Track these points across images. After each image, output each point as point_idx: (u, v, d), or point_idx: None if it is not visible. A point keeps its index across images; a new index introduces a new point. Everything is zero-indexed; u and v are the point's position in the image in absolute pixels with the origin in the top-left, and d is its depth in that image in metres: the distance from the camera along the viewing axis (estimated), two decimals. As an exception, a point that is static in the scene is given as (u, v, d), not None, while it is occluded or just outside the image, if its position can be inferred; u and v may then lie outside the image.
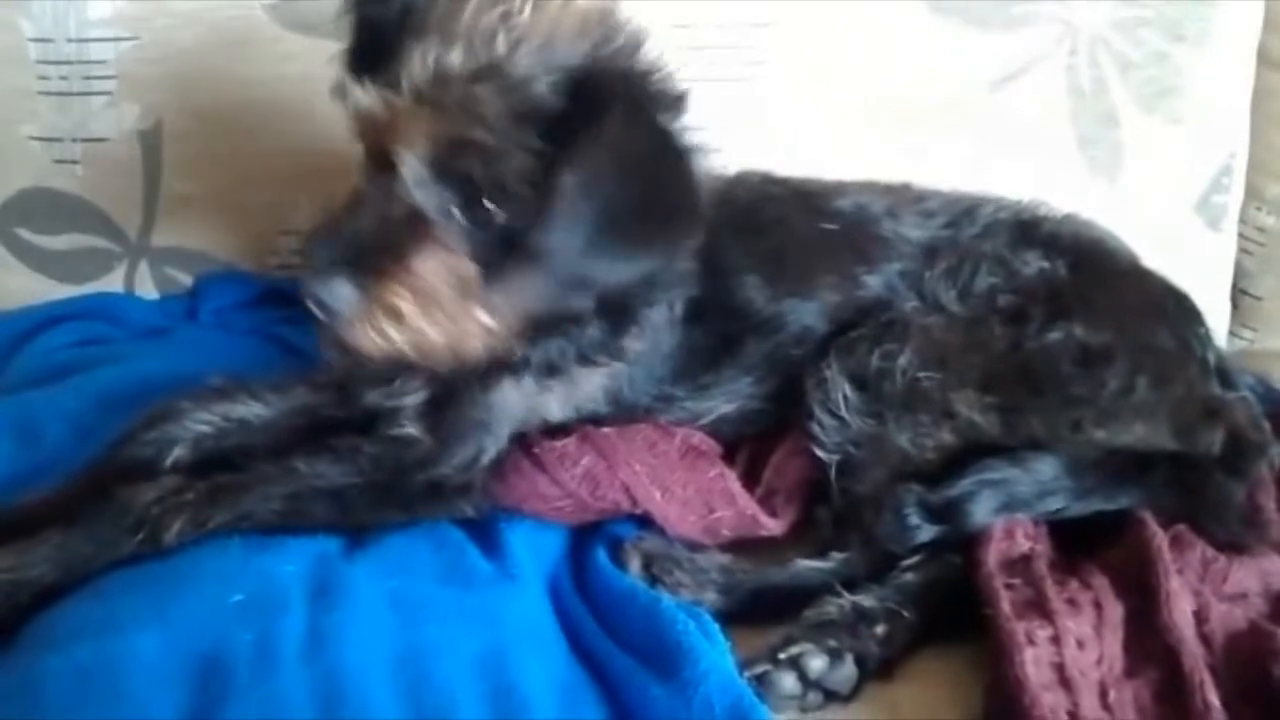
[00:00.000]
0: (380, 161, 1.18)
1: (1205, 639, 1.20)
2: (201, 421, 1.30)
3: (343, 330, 1.16)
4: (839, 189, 1.51)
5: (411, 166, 1.16)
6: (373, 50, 1.20)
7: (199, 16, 1.66)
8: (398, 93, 1.15)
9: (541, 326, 1.27)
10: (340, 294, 1.14)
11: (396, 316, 1.15)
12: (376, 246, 1.15)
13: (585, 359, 1.33)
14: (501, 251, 1.17)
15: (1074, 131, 1.77)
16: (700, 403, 1.42)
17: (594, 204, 1.12)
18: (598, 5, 1.22)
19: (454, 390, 1.29)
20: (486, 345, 1.21)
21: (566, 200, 1.11)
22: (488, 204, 1.15)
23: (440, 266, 1.17)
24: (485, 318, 1.19)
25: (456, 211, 1.17)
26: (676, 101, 1.22)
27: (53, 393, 1.48)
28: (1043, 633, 1.17)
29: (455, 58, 1.14)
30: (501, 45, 1.15)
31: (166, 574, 1.14)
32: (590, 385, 1.35)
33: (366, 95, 1.16)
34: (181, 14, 1.66)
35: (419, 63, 1.15)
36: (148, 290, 1.77)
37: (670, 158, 1.17)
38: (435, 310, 1.17)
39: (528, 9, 1.17)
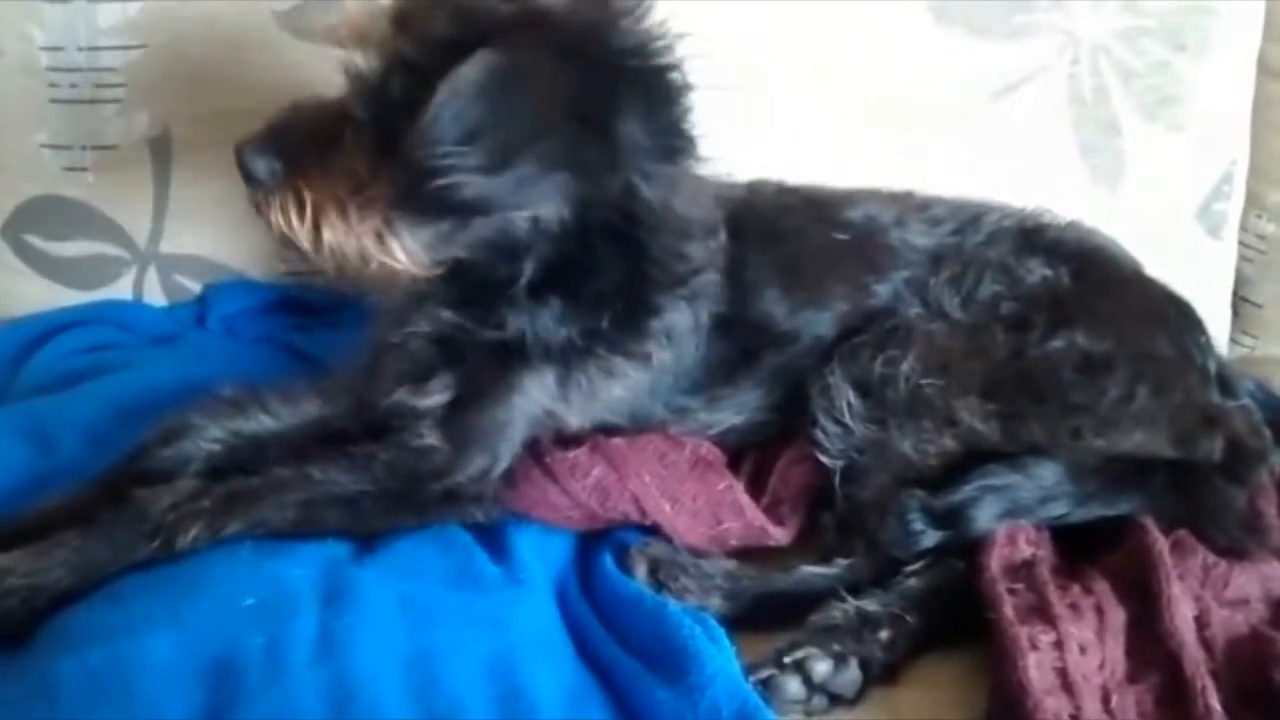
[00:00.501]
0: (347, 63, 1.25)
1: (1207, 644, 1.21)
2: (214, 439, 1.31)
3: (263, 205, 1.24)
4: (849, 199, 1.52)
5: (354, 73, 1.24)
6: None
7: (209, 24, 1.67)
8: (377, 4, 1.22)
9: (483, 280, 1.29)
10: (260, 167, 1.23)
11: (300, 208, 1.23)
12: (305, 140, 1.24)
13: (603, 357, 1.33)
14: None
15: (1076, 140, 1.78)
16: (712, 415, 1.43)
17: (461, 120, 1.14)
18: None
19: (478, 387, 1.31)
20: (403, 270, 1.24)
21: (434, 112, 1.14)
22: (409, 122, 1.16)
23: (350, 172, 1.23)
24: (393, 237, 1.22)
25: (381, 124, 1.21)
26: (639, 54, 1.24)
27: (65, 399, 1.50)
28: (1045, 638, 1.18)
29: None
30: None
31: (179, 578, 1.15)
32: (610, 396, 1.36)
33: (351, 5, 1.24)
34: (191, 21, 1.66)
35: None
36: (156, 297, 1.78)
37: (581, 96, 1.18)
38: (333, 212, 1.23)
39: None
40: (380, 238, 1.22)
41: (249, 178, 1.24)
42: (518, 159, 1.17)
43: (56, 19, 1.66)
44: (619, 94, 1.21)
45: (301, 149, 1.24)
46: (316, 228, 1.23)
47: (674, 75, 1.26)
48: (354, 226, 1.22)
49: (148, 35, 1.67)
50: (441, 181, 1.15)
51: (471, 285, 1.31)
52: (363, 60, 1.23)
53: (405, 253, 1.23)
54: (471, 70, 1.14)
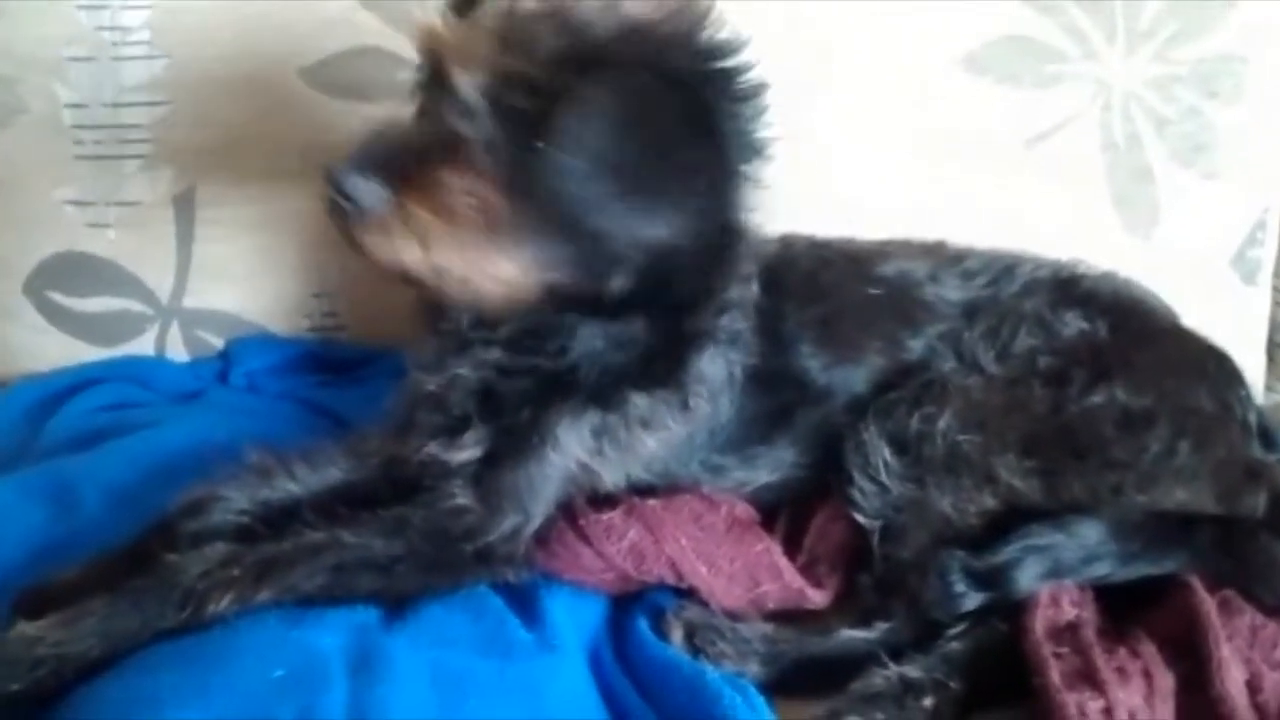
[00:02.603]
0: (437, 84, 1.20)
1: (1260, 709, 1.17)
2: (240, 510, 1.29)
3: (362, 229, 1.16)
4: (882, 253, 1.50)
5: (463, 89, 1.18)
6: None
7: (234, 81, 1.67)
8: (466, 20, 1.19)
9: (570, 299, 1.25)
10: (367, 189, 1.14)
11: (417, 228, 1.15)
12: (413, 158, 1.17)
13: (639, 405, 1.30)
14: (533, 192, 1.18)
15: (1109, 187, 1.77)
16: (748, 473, 1.40)
17: (591, 146, 1.13)
18: None
19: (512, 442, 1.29)
20: (504, 292, 1.20)
21: (562, 138, 1.12)
22: (533, 141, 1.15)
23: (470, 191, 1.16)
24: (504, 257, 1.18)
25: (498, 143, 1.17)
26: (731, 75, 1.22)
27: (87, 459, 1.48)
28: (1094, 704, 1.14)
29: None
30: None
31: (208, 648, 1.12)
32: (645, 451, 1.33)
33: (430, 14, 1.20)
34: (217, 79, 1.67)
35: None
36: (179, 352, 1.78)
37: (691, 112, 1.18)
38: (456, 232, 1.16)
39: None
40: (493, 259, 1.18)
41: (346, 200, 1.15)
42: (643, 183, 1.17)
43: (82, 76, 1.67)
44: (714, 103, 1.20)
45: (404, 169, 1.16)
46: (426, 250, 1.17)
47: (751, 74, 1.24)
48: (467, 247, 1.17)
49: (172, 92, 1.68)
50: (568, 207, 1.14)
51: (540, 312, 1.27)
52: (466, 77, 1.18)
53: (520, 274, 1.20)
54: (595, 93, 1.13)
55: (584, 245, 1.19)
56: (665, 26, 1.21)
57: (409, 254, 1.17)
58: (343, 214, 1.16)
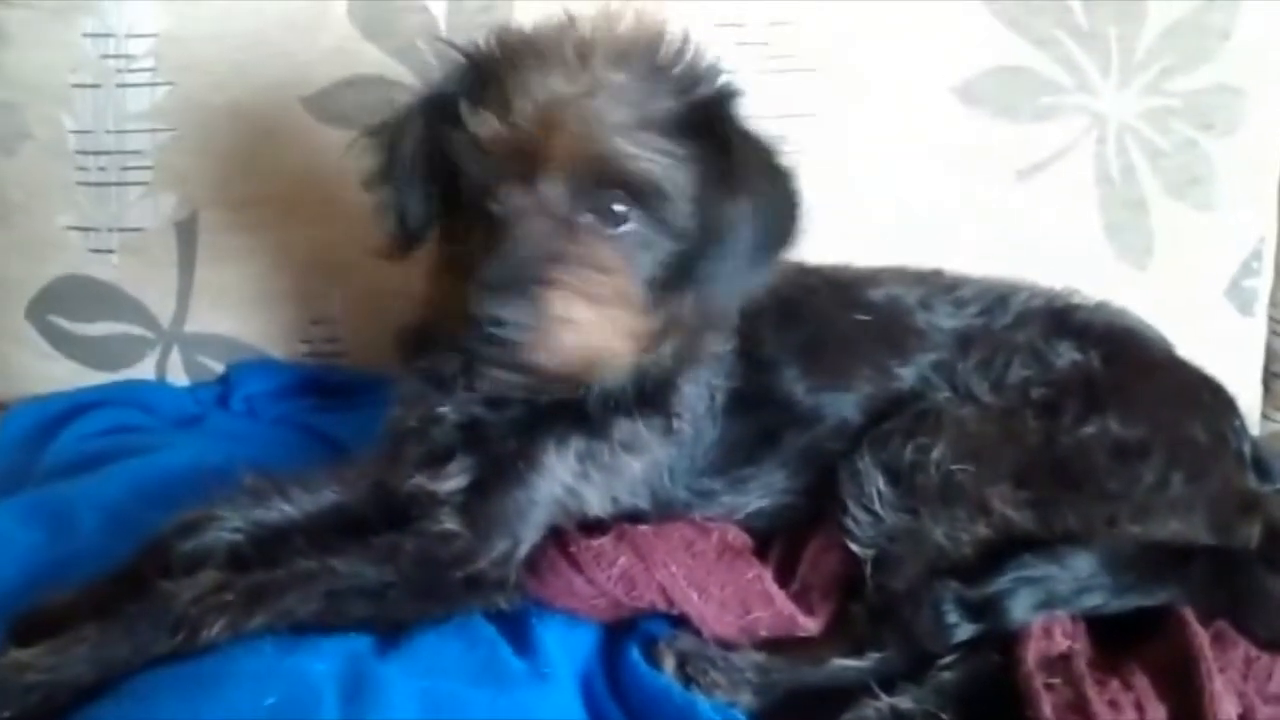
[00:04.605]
0: (516, 184, 1.21)
1: (1252, 743, 1.18)
2: (235, 529, 1.30)
3: (521, 348, 1.17)
4: (872, 279, 1.51)
5: (557, 181, 1.20)
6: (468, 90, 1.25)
7: (236, 108, 1.69)
8: (519, 117, 1.20)
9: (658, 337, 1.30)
10: (517, 309, 1.15)
11: (570, 323, 1.18)
12: (540, 261, 1.18)
13: (624, 428, 1.32)
14: (655, 254, 1.25)
15: (1103, 219, 1.78)
16: (738, 497, 1.41)
17: (752, 228, 1.24)
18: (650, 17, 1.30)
19: (498, 470, 1.30)
20: (636, 350, 1.26)
21: (733, 228, 1.23)
22: (620, 207, 1.22)
23: (601, 272, 1.21)
24: (641, 322, 1.24)
25: (606, 218, 1.22)
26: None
27: (86, 482, 1.49)
28: (1086, 737, 1.15)
29: (561, 82, 1.21)
30: (601, 64, 1.23)
31: (200, 675, 1.13)
32: (631, 473, 1.35)
33: (489, 123, 1.20)
34: (219, 107, 1.69)
35: (536, 87, 1.20)
36: (179, 377, 1.79)
37: (784, 173, 1.29)
38: (603, 314, 1.20)
39: (598, 28, 1.26)
40: (633, 326, 1.24)
41: (500, 328, 1.15)
42: (766, 249, 1.27)
43: (86, 104, 1.69)
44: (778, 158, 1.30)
45: (538, 270, 1.17)
46: (588, 339, 1.20)
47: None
48: (617, 323, 1.22)
49: (176, 119, 1.69)
50: (731, 284, 1.27)
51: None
52: (564, 172, 1.20)
53: (652, 330, 1.27)
54: (754, 182, 1.24)
55: (709, 304, 1.29)
56: (702, 75, 1.29)
57: (564, 349, 1.19)
58: (501, 343, 1.17)
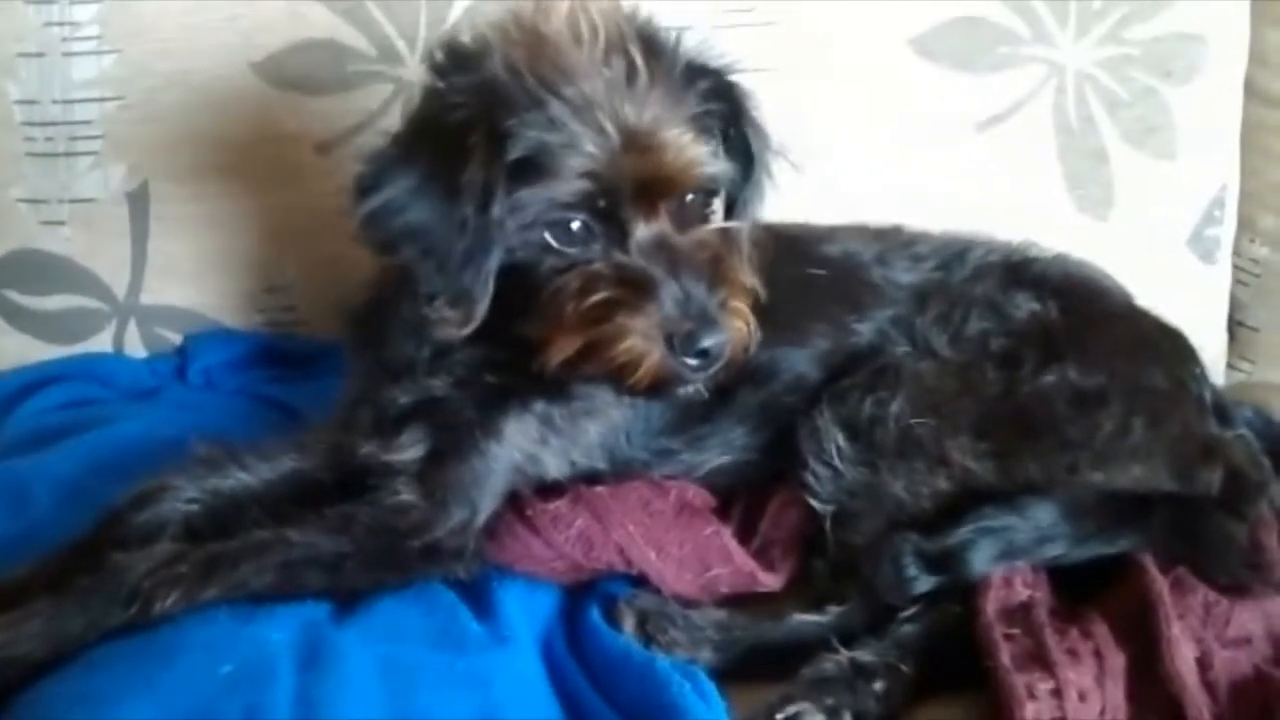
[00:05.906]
0: (634, 217, 1.23)
1: (1209, 687, 1.18)
2: (190, 499, 1.29)
3: (722, 359, 1.22)
4: (828, 235, 1.50)
5: (670, 205, 1.24)
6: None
7: (186, 76, 1.66)
8: (604, 155, 1.21)
9: None
10: (717, 333, 1.20)
11: (743, 315, 1.25)
12: (702, 282, 1.22)
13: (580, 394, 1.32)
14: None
15: (1063, 169, 1.77)
16: (696, 455, 1.41)
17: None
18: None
19: (456, 438, 1.29)
20: None
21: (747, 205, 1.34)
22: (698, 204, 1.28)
23: (726, 262, 1.26)
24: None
25: (697, 217, 1.28)
26: None
27: (41, 458, 1.48)
28: (1044, 685, 1.15)
29: (628, 108, 1.22)
30: (644, 78, 1.24)
31: (155, 645, 1.12)
32: (587, 437, 1.35)
33: (590, 158, 1.20)
34: (168, 74, 1.66)
35: (606, 118, 1.21)
36: (136, 348, 1.77)
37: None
38: (745, 293, 1.27)
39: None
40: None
41: (707, 357, 1.21)
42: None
43: (31, 73, 1.66)
44: None
45: (716, 296, 1.22)
46: (749, 316, 1.26)
47: None
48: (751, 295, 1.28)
49: (124, 88, 1.66)
50: None
51: None
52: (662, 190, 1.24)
53: None
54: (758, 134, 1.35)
55: None
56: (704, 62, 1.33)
57: (743, 337, 1.25)
58: (711, 364, 1.21)
